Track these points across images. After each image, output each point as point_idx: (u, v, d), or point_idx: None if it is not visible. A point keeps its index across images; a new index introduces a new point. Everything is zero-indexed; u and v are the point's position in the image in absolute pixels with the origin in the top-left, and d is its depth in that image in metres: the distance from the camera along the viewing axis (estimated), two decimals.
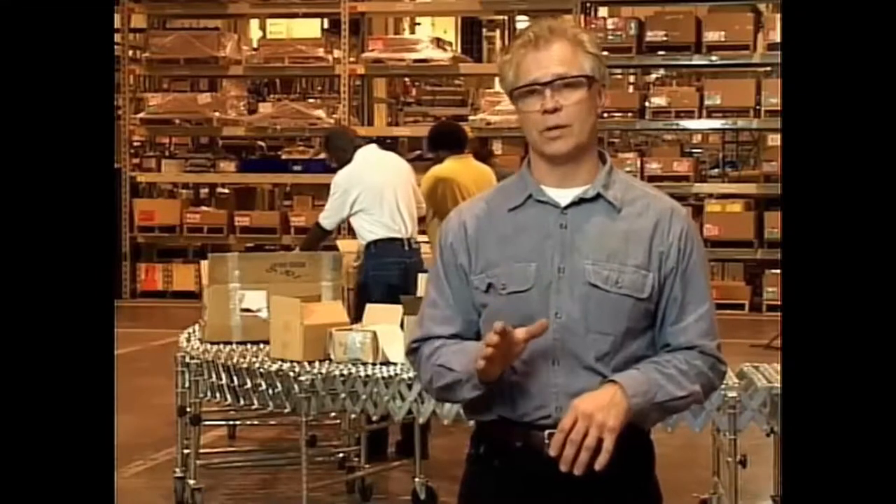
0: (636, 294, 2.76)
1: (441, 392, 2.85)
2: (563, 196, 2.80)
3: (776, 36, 13.51)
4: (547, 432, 2.72)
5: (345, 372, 5.56)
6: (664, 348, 2.80)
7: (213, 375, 5.94)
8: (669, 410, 2.79)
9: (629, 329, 2.76)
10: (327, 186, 8.67)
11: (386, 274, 7.51)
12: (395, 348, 5.60)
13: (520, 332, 2.65)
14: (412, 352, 2.90)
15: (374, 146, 8.20)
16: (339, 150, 8.03)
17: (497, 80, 19.03)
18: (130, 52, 15.52)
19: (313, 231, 8.17)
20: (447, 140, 8.32)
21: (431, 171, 8.24)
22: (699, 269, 2.82)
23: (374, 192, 7.71)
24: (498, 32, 20.91)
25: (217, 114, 14.96)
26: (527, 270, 2.76)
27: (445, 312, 2.85)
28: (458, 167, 8.11)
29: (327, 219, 7.90)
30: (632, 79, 18.20)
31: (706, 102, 14.07)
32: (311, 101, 16.17)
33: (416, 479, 6.53)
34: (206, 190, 16.36)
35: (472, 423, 2.93)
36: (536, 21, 2.87)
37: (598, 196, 2.80)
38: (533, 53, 2.76)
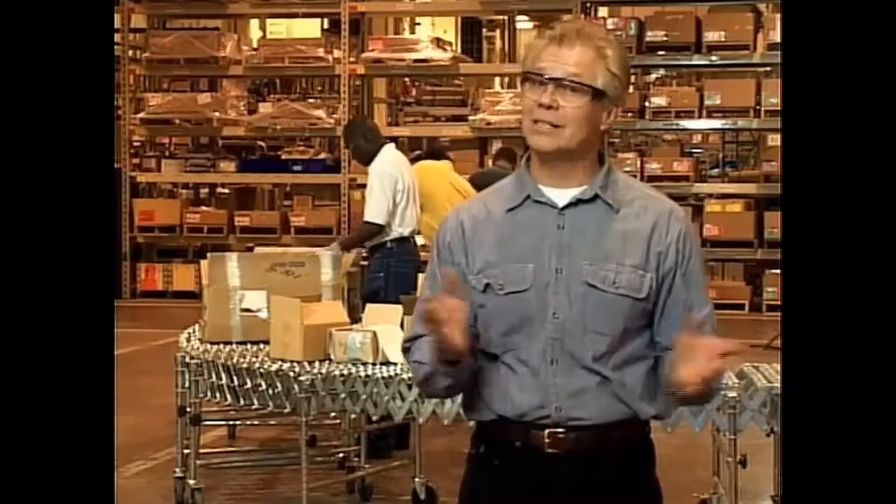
0: (634, 294, 2.76)
1: (423, 386, 2.92)
2: (561, 197, 2.80)
3: (776, 36, 13.50)
4: (547, 431, 2.73)
5: (345, 372, 5.56)
6: (667, 350, 2.80)
7: (213, 375, 5.94)
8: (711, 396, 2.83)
9: (626, 329, 2.77)
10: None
11: (407, 272, 7.45)
12: (394, 348, 5.60)
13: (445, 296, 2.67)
14: (406, 350, 2.92)
15: (393, 145, 8.24)
16: (364, 140, 7.96)
17: (497, 79, 19.06)
18: (130, 52, 15.50)
19: (363, 229, 7.93)
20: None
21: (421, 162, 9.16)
22: (699, 271, 2.83)
23: (407, 190, 7.80)
24: (498, 32, 20.91)
25: (217, 114, 14.95)
26: (524, 271, 2.76)
27: None
28: (447, 165, 9.24)
29: (378, 214, 7.73)
30: (632, 79, 18.19)
31: (706, 102, 14.06)
32: (311, 101, 16.14)
33: (416, 479, 6.53)
34: (206, 190, 16.34)
35: (472, 422, 2.93)
36: (573, 19, 2.86)
37: (595, 197, 2.80)
38: (554, 47, 2.76)
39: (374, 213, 7.76)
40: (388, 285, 7.44)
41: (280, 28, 17.99)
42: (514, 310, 2.76)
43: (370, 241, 7.82)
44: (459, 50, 18.08)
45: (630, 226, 2.79)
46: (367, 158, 7.96)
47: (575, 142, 2.76)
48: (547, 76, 2.75)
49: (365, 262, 7.81)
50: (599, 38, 2.78)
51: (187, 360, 6.13)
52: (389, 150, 8.01)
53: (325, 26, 17.85)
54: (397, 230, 7.77)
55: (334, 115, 14.66)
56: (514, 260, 2.78)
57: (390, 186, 7.73)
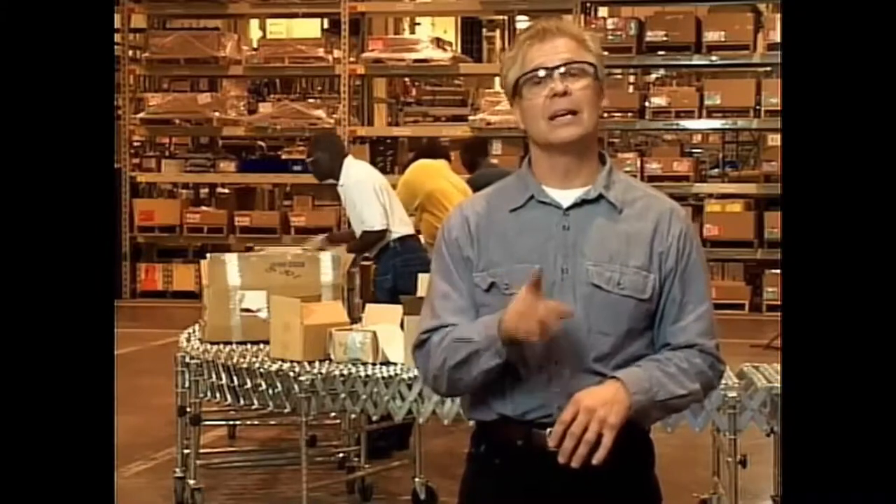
0: (637, 295, 2.77)
1: (455, 370, 2.76)
2: (565, 197, 2.81)
3: (776, 36, 13.51)
4: (548, 430, 2.72)
5: (345, 372, 5.56)
6: (664, 347, 2.81)
7: (213, 375, 5.94)
8: (670, 409, 2.81)
9: (629, 330, 2.77)
10: (327, 187, 8.66)
11: (414, 271, 7.42)
12: (395, 348, 5.60)
13: (550, 304, 2.65)
14: (421, 343, 2.84)
15: (352, 156, 8.27)
16: (329, 157, 7.94)
17: (497, 79, 19.10)
18: (130, 52, 15.52)
19: (365, 238, 7.77)
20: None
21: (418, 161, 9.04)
22: (698, 269, 2.84)
23: (384, 191, 7.80)
24: (498, 32, 20.91)
25: (217, 114, 14.96)
26: (529, 271, 2.76)
27: (460, 303, 2.82)
28: (443, 164, 9.00)
29: (375, 220, 7.70)
30: (632, 79, 18.19)
31: (706, 102, 14.07)
32: (311, 101, 16.15)
33: (416, 479, 6.53)
34: (206, 190, 16.35)
35: (472, 422, 2.93)
36: (538, 20, 2.88)
37: (599, 197, 2.80)
38: (539, 45, 2.79)
39: (371, 220, 7.75)
40: (395, 285, 7.42)
41: (280, 28, 18.00)
42: None
43: (374, 248, 7.81)
44: (459, 50, 18.08)
45: (633, 227, 2.80)
46: (322, 174, 8.03)
47: (591, 125, 2.78)
48: (549, 66, 2.76)
49: (365, 263, 7.80)
50: (573, 28, 2.85)
51: (187, 360, 6.13)
52: (352, 161, 8.04)
53: (325, 26, 17.85)
54: (396, 230, 7.78)
55: (334, 115, 14.66)
56: (518, 260, 2.78)
57: (372, 191, 7.75)
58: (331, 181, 8.14)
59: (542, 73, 2.76)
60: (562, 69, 2.75)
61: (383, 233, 7.75)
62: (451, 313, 2.81)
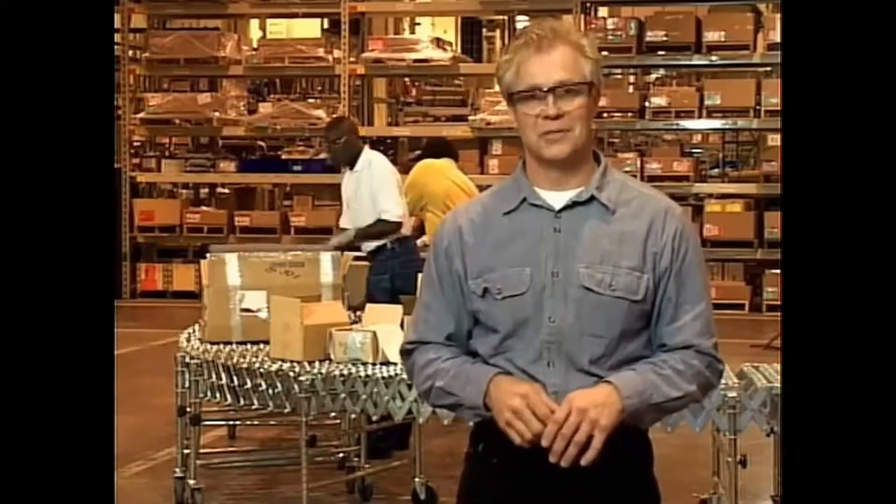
0: (630, 296, 2.76)
1: (438, 406, 2.92)
2: (558, 199, 2.80)
3: (776, 36, 13.51)
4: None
5: (345, 372, 5.56)
6: (660, 348, 2.80)
7: (213, 375, 5.94)
8: (665, 411, 2.81)
9: (624, 331, 2.77)
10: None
11: (412, 272, 7.39)
12: (395, 348, 5.59)
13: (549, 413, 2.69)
14: (406, 353, 2.93)
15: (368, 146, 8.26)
16: (350, 136, 7.92)
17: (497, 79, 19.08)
18: (130, 52, 15.51)
19: (382, 227, 7.65)
20: (441, 150, 8.94)
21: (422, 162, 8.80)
22: (695, 269, 2.82)
23: (400, 188, 7.84)
24: (498, 32, 20.90)
25: (217, 114, 14.95)
26: (521, 274, 2.76)
27: (438, 316, 2.86)
28: (448, 164, 8.73)
29: (395, 211, 7.61)
30: (632, 79, 18.18)
31: (706, 102, 14.06)
32: (311, 101, 16.15)
33: (416, 479, 6.53)
34: (206, 190, 16.34)
35: (471, 422, 2.93)
36: (537, 21, 2.86)
37: (591, 199, 2.80)
38: (535, 56, 2.76)
39: (392, 209, 7.64)
40: (394, 286, 7.41)
41: (280, 28, 18.01)
42: (511, 314, 2.77)
43: (382, 240, 7.74)
44: (459, 50, 18.07)
45: (626, 227, 2.79)
46: (345, 159, 7.92)
47: (583, 139, 2.78)
48: (545, 89, 2.74)
49: (358, 263, 7.76)
50: (569, 31, 2.80)
51: (187, 360, 6.13)
52: (371, 151, 8.03)
53: (325, 26, 17.86)
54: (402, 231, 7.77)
55: (334, 115, 14.65)
56: (511, 264, 2.78)
57: (395, 183, 7.75)
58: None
59: (538, 91, 2.74)
60: (557, 90, 2.73)
61: (399, 226, 7.68)
62: (431, 327, 2.88)
